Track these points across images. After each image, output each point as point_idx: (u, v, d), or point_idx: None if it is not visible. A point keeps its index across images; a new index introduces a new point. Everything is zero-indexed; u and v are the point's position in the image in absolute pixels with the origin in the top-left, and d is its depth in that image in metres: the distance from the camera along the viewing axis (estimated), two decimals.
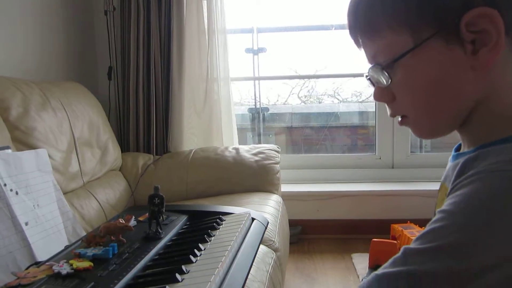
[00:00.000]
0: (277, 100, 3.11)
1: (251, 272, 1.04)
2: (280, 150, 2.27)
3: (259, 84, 2.87)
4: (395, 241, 2.07)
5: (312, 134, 3.02)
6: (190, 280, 0.87)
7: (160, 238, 1.11)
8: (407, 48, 0.58)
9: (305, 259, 2.21)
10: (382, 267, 0.54)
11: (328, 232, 2.52)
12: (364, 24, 0.63)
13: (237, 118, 2.67)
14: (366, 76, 0.67)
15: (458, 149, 0.67)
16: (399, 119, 0.66)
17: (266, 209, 1.73)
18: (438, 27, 0.56)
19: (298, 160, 2.81)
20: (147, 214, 1.21)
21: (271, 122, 3.03)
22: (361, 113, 3.04)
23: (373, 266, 2.00)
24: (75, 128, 1.79)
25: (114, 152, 2.06)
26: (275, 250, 1.48)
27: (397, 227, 2.17)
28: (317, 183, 2.67)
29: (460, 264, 0.47)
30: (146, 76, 2.36)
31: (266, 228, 1.33)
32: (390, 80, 0.61)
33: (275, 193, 2.04)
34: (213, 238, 1.14)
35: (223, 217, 1.31)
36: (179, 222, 1.27)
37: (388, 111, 0.67)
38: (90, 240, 1.05)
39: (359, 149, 2.99)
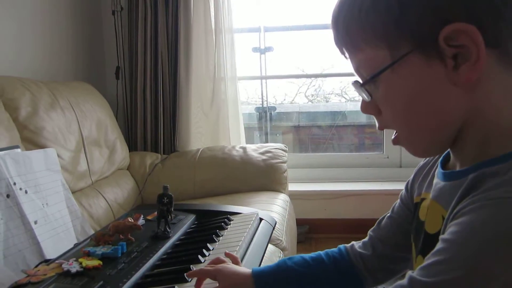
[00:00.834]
0: (284, 99, 3.11)
1: None
2: (287, 149, 2.26)
3: (266, 83, 2.87)
4: None
5: (319, 133, 3.02)
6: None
7: (168, 237, 1.12)
8: (386, 63, 0.56)
9: None
10: None
11: (336, 231, 2.51)
12: (344, 37, 0.61)
13: (244, 117, 2.67)
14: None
15: (444, 164, 0.65)
16: (393, 137, 0.64)
17: (274, 208, 1.73)
18: (416, 43, 0.54)
19: (305, 159, 2.80)
20: (155, 213, 1.22)
21: (278, 121, 3.03)
22: None
23: None
24: (84, 128, 1.80)
25: (122, 152, 2.07)
26: (283, 249, 1.48)
27: None
28: (325, 182, 2.67)
29: None
30: (154, 75, 2.36)
31: (273, 228, 1.34)
32: (370, 97, 0.61)
33: (282, 192, 2.04)
34: (221, 238, 1.15)
35: (231, 217, 1.31)
36: (187, 222, 1.27)
37: (376, 124, 0.65)
38: (99, 238, 1.06)
39: (367, 148, 2.98)
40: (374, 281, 0.82)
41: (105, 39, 2.55)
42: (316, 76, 3.01)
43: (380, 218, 0.83)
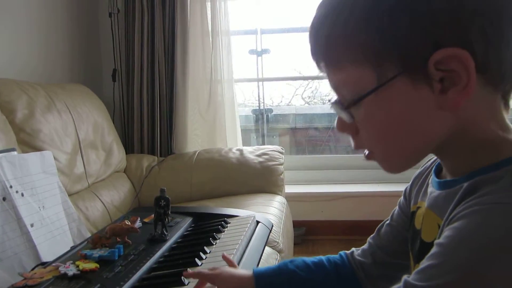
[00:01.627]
0: (281, 101, 3.11)
1: None
2: (284, 151, 2.27)
3: (262, 85, 2.87)
4: None
5: (316, 135, 3.02)
6: (196, 283, 0.87)
7: (165, 240, 1.12)
8: (370, 86, 0.54)
9: None
10: None
11: (332, 233, 2.52)
12: (325, 52, 0.58)
13: (241, 119, 2.67)
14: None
15: (438, 172, 0.64)
16: (365, 153, 0.62)
17: (270, 210, 1.73)
18: (404, 65, 0.52)
19: (302, 161, 2.81)
20: (152, 215, 1.22)
21: (275, 123, 3.03)
22: None
23: None
24: (80, 130, 1.80)
25: (118, 154, 2.07)
26: (279, 251, 1.48)
27: None
28: (321, 184, 2.67)
29: None
30: (150, 77, 2.36)
31: (270, 231, 1.34)
32: (352, 119, 0.58)
33: (279, 194, 2.04)
34: (218, 241, 1.15)
35: (228, 220, 1.31)
36: (184, 224, 1.27)
37: (352, 143, 0.62)
38: (96, 241, 1.06)
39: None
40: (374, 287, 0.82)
41: (102, 41, 2.55)
42: (313, 78, 3.01)
43: (380, 225, 0.83)
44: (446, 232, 0.51)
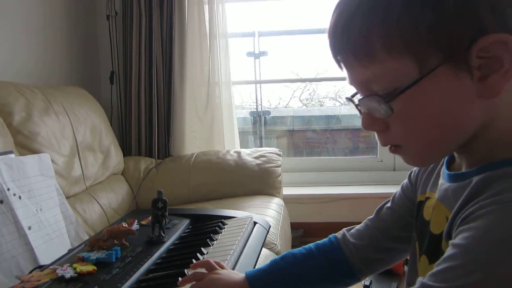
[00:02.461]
0: (279, 103, 3.11)
1: None
2: (281, 153, 2.27)
3: (260, 87, 2.88)
4: None
5: (313, 137, 3.03)
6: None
7: (163, 242, 1.12)
8: (411, 77, 0.52)
9: None
10: None
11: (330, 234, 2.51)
12: (357, 46, 0.55)
13: (239, 121, 2.67)
14: (350, 100, 0.62)
15: (449, 164, 0.64)
16: (391, 147, 0.61)
17: (268, 212, 1.73)
18: (447, 54, 0.51)
19: (299, 163, 2.81)
20: (149, 218, 1.22)
21: (273, 125, 3.03)
22: None
23: None
24: (78, 133, 1.80)
25: (116, 156, 2.07)
26: (277, 253, 1.48)
27: None
28: (319, 186, 2.67)
29: None
30: (148, 80, 2.36)
31: (268, 232, 1.34)
32: (391, 112, 0.55)
33: (276, 196, 2.05)
34: (215, 242, 1.15)
35: (226, 221, 1.31)
36: (182, 226, 1.28)
37: (379, 140, 0.60)
38: (93, 244, 1.06)
39: (361, 151, 2.99)
40: (368, 271, 0.81)
41: (99, 44, 2.55)
42: (311, 80, 3.02)
43: (379, 207, 0.81)
44: (463, 233, 0.50)
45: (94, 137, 1.93)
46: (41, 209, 1.25)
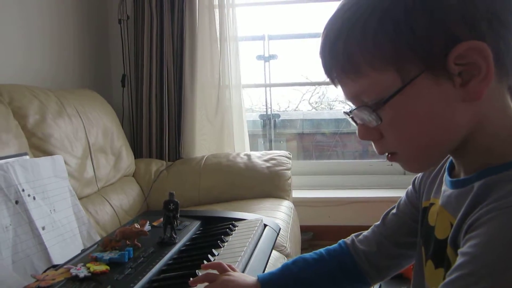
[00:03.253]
0: (288, 107, 3.12)
1: None
2: (291, 156, 2.28)
3: (270, 90, 2.89)
4: None
5: (323, 140, 3.03)
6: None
7: (174, 243, 1.13)
8: (395, 87, 0.56)
9: None
10: None
11: (340, 238, 2.48)
12: (343, 64, 0.59)
13: (249, 124, 2.69)
14: (347, 114, 0.65)
15: (450, 170, 0.66)
16: (388, 155, 0.63)
17: (278, 215, 1.74)
18: (425, 63, 0.54)
19: (309, 166, 2.81)
20: (161, 219, 1.23)
21: (282, 128, 3.04)
22: None
23: None
24: (90, 135, 1.83)
25: (127, 159, 2.09)
26: (287, 256, 1.49)
27: None
28: (329, 189, 2.67)
29: None
30: (159, 83, 2.39)
31: (278, 234, 1.35)
32: (380, 121, 0.58)
33: (286, 199, 2.05)
34: (226, 243, 1.16)
35: (236, 223, 1.32)
36: (193, 228, 1.29)
37: (375, 149, 0.64)
38: (106, 244, 1.08)
39: (371, 155, 2.98)
40: (378, 277, 0.82)
41: (111, 47, 2.58)
42: (320, 83, 3.02)
43: (385, 213, 0.83)
44: (471, 241, 0.51)
45: (106, 139, 1.96)
46: (54, 210, 1.27)
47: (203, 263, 1.00)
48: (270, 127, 2.94)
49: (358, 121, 0.63)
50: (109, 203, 1.79)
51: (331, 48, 0.60)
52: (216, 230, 1.28)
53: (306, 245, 2.40)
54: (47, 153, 1.53)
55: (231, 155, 2.24)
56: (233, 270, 0.89)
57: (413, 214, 0.77)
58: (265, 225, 1.33)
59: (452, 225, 0.59)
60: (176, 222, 1.16)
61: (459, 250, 0.52)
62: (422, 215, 0.72)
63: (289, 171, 2.16)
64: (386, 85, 0.56)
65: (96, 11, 2.49)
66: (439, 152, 0.61)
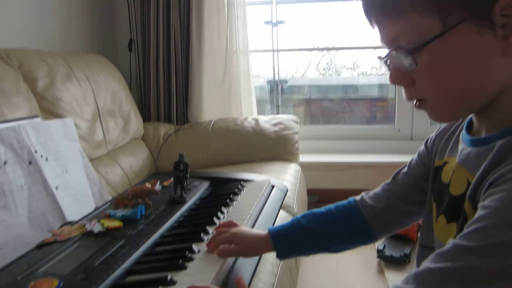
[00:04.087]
0: (296, 73, 3.11)
1: None
2: (298, 121, 2.28)
3: (277, 56, 2.87)
4: None
5: (330, 106, 3.03)
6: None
7: (184, 202, 1.16)
8: (435, 32, 0.56)
9: None
10: (428, 260, 0.54)
11: None
12: (386, 5, 0.59)
13: (256, 90, 2.68)
14: (381, 58, 0.64)
15: (469, 128, 0.66)
16: (416, 102, 0.63)
17: (285, 177, 1.76)
18: (470, 11, 0.54)
19: (316, 131, 2.82)
20: (171, 179, 1.26)
21: (290, 94, 3.04)
22: (381, 86, 3.02)
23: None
24: (99, 99, 1.84)
25: (136, 122, 2.11)
26: (294, 216, 1.52)
27: None
28: (335, 154, 2.68)
29: (510, 261, 0.48)
30: (166, 48, 2.38)
31: (285, 195, 1.37)
32: (415, 65, 0.59)
33: (293, 162, 2.07)
34: (235, 203, 1.19)
35: (244, 184, 1.35)
36: (202, 188, 1.32)
37: (405, 95, 0.64)
38: (118, 202, 1.11)
39: (378, 121, 2.99)
40: (384, 231, 0.85)
41: (117, 11, 2.56)
42: (328, 49, 3.00)
43: (396, 172, 0.84)
44: (493, 196, 0.52)
45: (115, 103, 1.97)
46: (66, 171, 1.30)
47: (213, 220, 1.03)
48: (278, 92, 2.93)
49: (392, 65, 0.63)
50: (119, 165, 1.82)
51: None
52: (225, 190, 1.30)
53: (312, 208, 2.43)
54: (57, 116, 1.55)
55: (239, 120, 2.25)
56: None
57: (424, 174, 0.78)
58: (273, 186, 1.35)
59: (469, 182, 0.60)
60: (186, 182, 1.19)
61: (480, 204, 0.53)
62: (434, 174, 0.73)
63: (297, 135, 2.17)
64: (427, 29, 0.56)
65: None
66: (469, 104, 0.61)
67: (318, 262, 1.94)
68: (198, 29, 2.37)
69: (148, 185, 1.14)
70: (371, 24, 0.63)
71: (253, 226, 1.05)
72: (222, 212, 1.10)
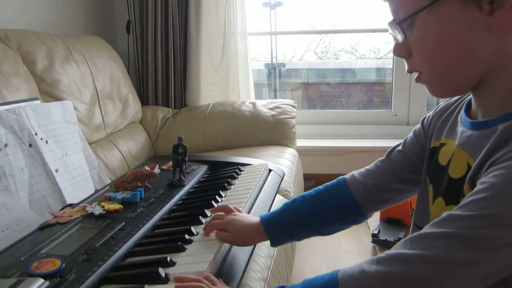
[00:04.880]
0: (293, 56, 3.10)
1: None
2: (296, 105, 2.29)
3: (276, 39, 2.86)
4: None
5: (328, 90, 3.03)
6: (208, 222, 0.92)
7: (183, 185, 1.18)
8: (423, 4, 0.59)
9: None
10: (424, 228, 0.56)
11: None
12: None
13: (253, 73, 2.68)
14: (390, 33, 0.68)
15: (468, 110, 0.67)
16: (416, 75, 0.67)
17: (282, 162, 1.78)
18: None
19: (313, 116, 2.83)
20: (170, 163, 1.28)
21: (287, 77, 3.04)
22: (378, 70, 3.02)
23: (384, 219, 2.06)
24: (98, 81, 1.84)
25: (134, 105, 2.12)
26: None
27: None
28: (332, 139, 2.70)
29: (500, 232, 0.50)
30: (164, 30, 2.37)
31: (282, 179, 1.39)
32: (404, 36, 0.63)
33: (290, 147, 2.09)
34: (232, 186, 1.21)
35: (242, 168, 1.37)
36: (200, 171, 1.33)
37: (406, 67, 0.68)
38: (118, 185, 1.12)
39: (375, 105, 3.00)
40: (374, 209, 0.86)
41: None
42: (326, 32, 2.99)
43: (390, 149, 0.85)
44: (494, 172, 0.54)
45: (113, 86, 1.97)
46: (66, 154, 1.31)
47: (211, 204, 1.05)
48: (275, 76, 2.93)
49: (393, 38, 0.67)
50: (118, 148, 1.83)
51: None
52: (223, 174, 1.32)
53: None
54: (56, 98, 1.55)
55: (237, 103, 2.26)
56: (239, 211, 0.94)
57: (419, 153, 0.79)
58: (270, 170, 1.37)
59: (469, 165, 0.61)
60: (185, 165, 1.20)
61: (479, 180, 0.55)
62: (430, 155, 0.74)
63: (294, 120, 2.19)
64: (417, 2, 0.60)
65: None
66: (459, 79, 0.63)
67: (313, 247, 1.97)
68: (196, 11, 2.36)
69: (147, 168, 1.16)
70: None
71: (250, 210, 1.07)
72: (220, 196, 1.12)
